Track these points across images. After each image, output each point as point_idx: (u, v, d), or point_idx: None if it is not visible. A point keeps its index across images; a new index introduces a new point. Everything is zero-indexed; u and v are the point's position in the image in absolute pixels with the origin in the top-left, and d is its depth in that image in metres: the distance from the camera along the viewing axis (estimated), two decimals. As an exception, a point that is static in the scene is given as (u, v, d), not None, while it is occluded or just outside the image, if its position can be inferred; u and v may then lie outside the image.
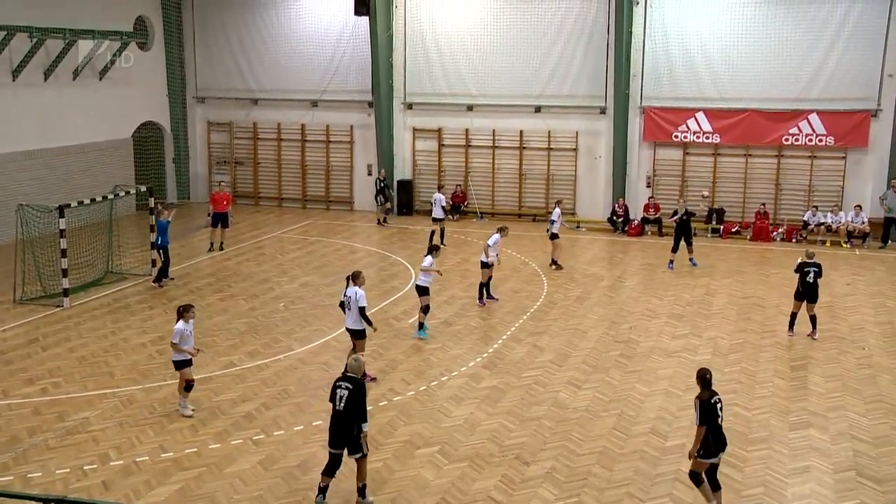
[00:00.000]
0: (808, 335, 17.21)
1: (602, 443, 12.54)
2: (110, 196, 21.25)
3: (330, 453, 10.64)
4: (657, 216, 27.33)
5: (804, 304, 17.12)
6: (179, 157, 31.97)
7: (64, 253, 18.79)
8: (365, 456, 10.67)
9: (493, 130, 29.42)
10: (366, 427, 10.59)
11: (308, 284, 21.06)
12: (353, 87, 30.23)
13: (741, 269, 23.04)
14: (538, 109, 28.86)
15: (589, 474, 11.61)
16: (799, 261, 17.56)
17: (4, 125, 24.96)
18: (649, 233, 27.47)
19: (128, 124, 29.78)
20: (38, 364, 15.56)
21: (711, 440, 10.28)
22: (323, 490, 10.67)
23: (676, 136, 27.63)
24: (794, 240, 26.24)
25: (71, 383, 14.67)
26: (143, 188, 23.10)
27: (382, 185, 28.82)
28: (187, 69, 31.90)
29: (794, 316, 17.36)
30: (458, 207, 29.21)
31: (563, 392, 14.43)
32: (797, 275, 17.18)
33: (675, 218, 23.03)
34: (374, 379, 14.58)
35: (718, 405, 10.35)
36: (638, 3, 27.23)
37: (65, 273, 18.89)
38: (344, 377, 10.67)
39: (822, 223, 26.04)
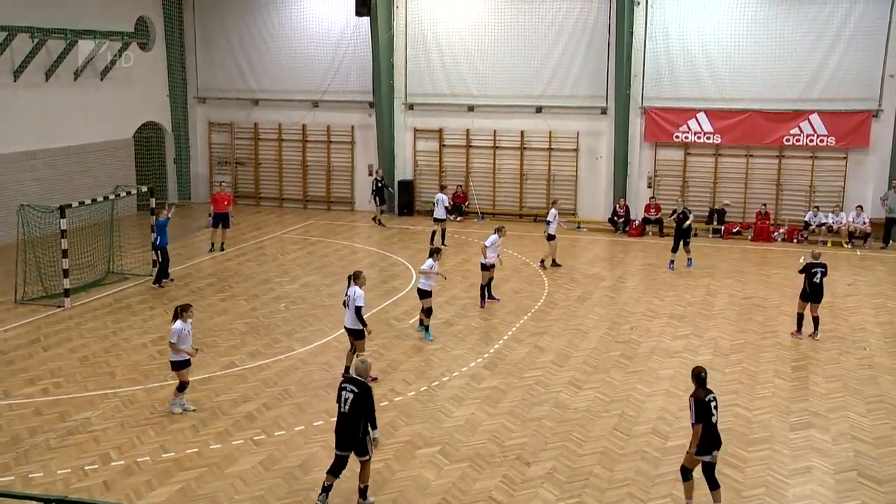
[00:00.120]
0: (810, 335, 17.21)
1: (603, 443, 12.54)
2: (111, 196, 21.25)
3: (336, 454, 10.65)
4: (658, 216, 27.33)
5: (808, 304, 17.13)
6: (180, 158, 31.98)
7: (65, 253, 18.81)
8: (369, 458, 10.68)
9: (494, 131, 29.42)
10: (375, 433, 10.59)
11: (309, 285, 21.06)
12: (354, 88, 30.24)
13: (742, 269, 23.03)
14: (539, 110, 28.86)
15: (590, 475, 11.61)
16: (801, 260, 17.59)
17: (6, 125, 24.98)
18: (650, 233, 27.46)
19: (129, 125, 29.80)
20: (40, 364, 15.57)
21: (705, 438, 10.32)
22: (327, 489, 10.66)
23: (677, 137, 27.63)
24: (795, 240, 26.23)
25: (72, 383, 14.68)
26: (144, 188, 23.13)
27: (380, 184, 28.76)
28: (188, 69, 31.91)
29: (800, 317, 17.33)
30: (459, 208, 29.21)
31: (564, 392, 14.43)
32: (803, 275, 17.17)
33: (674, 217, 23.09)
34: (374, 379, 14.57)
35: (713, 403, 10.40)
36: (639, 4, 27.22)
37: (66, 273, 18.90)
38: (349, 379, 10.67)
39: (824, 224, 26.03)
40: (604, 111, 28.19)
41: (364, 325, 14.35)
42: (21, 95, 25.39)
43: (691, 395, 10.46)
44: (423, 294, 16.94)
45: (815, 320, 17.22)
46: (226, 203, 24.05)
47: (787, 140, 26.68)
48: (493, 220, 28.08)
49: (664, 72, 27.54)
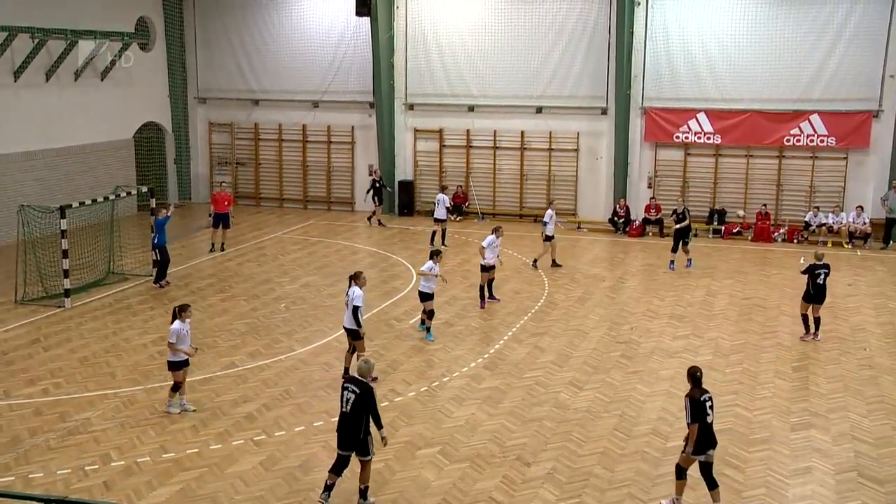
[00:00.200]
0: (811, 336, 17.20)
1: (603, 443, 12.54)
2: (112, 197, 21.25)
3: (338, 454, 10.66)
4: (658, 217, 27.32)
5: (811, 305, 17.13)
6: (181, 158, 31.98)
7: (65, 253, 18.80)
8: (370, 459, 10.69)
9: (495, 131, 29.42)
10: (383, 432, 10.69)
11: (309, 285, 21.06)
12: (354, 88, 30.24)
13: (742, 269, 23.03)
14: (539, 110, 28.86)
15: (590, 475, 11.61)
16: (801, 261, 17.58)
17: (6, 126, 24.99)
18: (650, 233, 27.46)
19: (129, 125, 29.80)
20: (40, 364, 15.57)
21: (700, 438, 10.33)
22: (329, 488, 10.65)
23: (678, 137, 27.62)
24: (795, 241, 26.23)
25: (72, 384, 14.68)
26: (145, 189, 23.12)
27: (378, 184, 28.71)
28: (188, 70, 31.92)
29: (805, 318, 17.31)
30: (459, 208, 29.21)
31: (565, 393, 14.43)
32: (806, 276, 17.14)
33: (674, 217, 23.10)
34: (374, 379, 14.55)
35: (708, 403, 10.42)
36: (639, 4, 27.22)
37: (66, 273, 18.90)
38: (351, 380, 10.69)
39: (824, 224, 26.03)
40: (604, 111, 28.19)
41: (359, 325, 14.35)
42: (21, 96, 25.39)
43: (686, 395, 10.50)
44: (424, 297, 16.90)
45: (817, 321, 17.21)
46: (226, 203, 24.06)
47: (788, 140, 26.68)
48: (493, 221, 28.05)
49: (664, 72, 27.53)
